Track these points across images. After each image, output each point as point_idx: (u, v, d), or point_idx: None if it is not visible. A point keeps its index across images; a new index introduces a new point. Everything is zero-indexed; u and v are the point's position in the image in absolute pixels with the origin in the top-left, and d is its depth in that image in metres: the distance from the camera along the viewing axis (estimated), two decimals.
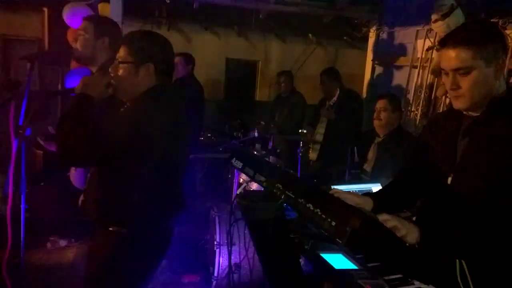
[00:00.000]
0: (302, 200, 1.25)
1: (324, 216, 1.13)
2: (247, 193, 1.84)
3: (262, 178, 1.50)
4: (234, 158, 1.75)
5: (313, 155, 4.58)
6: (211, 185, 5.30)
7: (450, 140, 1.60)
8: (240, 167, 1.71)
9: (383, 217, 1.35)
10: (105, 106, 1.84)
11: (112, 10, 4.00)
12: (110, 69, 1.85)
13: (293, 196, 1.30)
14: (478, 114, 1.53)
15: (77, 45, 2.39)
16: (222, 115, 6.39)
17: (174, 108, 1.87)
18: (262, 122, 4.91)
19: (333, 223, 1.10)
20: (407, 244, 1.31)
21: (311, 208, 1.20)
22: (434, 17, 3.50)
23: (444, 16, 3.36)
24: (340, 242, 1.07)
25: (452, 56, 1.45)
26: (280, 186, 1.38)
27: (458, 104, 1.52)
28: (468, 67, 1.43)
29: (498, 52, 1.45)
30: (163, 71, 1.84)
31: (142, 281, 1.91)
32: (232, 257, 2.99)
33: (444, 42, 1.49)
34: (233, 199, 1.64)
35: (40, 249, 3.75)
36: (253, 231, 1.66)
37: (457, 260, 1.37)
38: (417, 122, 4.18)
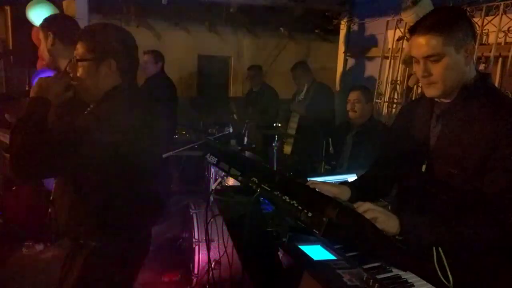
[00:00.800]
0: (278, 192, 1.24)
1: (300, 208, 1.12)
2: (223, 189, 1.81)
3: (237, 172, 1.48)
4: (209, 154, 1.72)
5: (287, 149, 4.59)
6: (187, 182, 5.24)
7: (423, 127, 1.62)
8: (214, 162, 1.68)
9: (362, 208, 1.35)
10: (67, 109, 1.72)
11: (78, 8, 3.88)
12: (68, 68, 1.72)
13: (269, 189, 1.29)
14: (450, 101, 1.54)
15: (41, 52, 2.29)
16: (196, 112, 6.32)
17: (142, 108, 1.74)
18: (234, 116, 4.89)
19: (310, 214, 1.09)
20: (385, 233, 1.31)
21: (287, 200, 1.18)
22: (403, 6, 3.54)
23: (413, 4, 3.40)
24: (317, 232, 1.06)
25: (422, 43, 1.46)
26: (256, 179, 1.37)
27: (430, 92, 1.53)
28: (439, 53, 1.44)
29: (467, 38, 1.46)
30: (126, 67, 1.71)
31: None
32: (212, 253, 2.97)
33: (414, 29, 1.49)
34: (209, 195, 1.61)
35: (15, 254, 3.67)
36: (230, 226, 1.63)
37: (434, 248, 1.38)
38: (391, 112, 4.24)
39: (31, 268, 3.46)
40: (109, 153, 1.55)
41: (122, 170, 1.61)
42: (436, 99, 1.58)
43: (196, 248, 3.13)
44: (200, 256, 3.12)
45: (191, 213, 3.25)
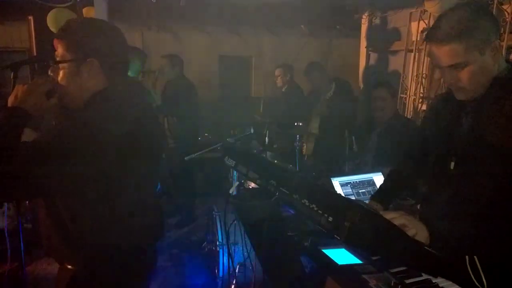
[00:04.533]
0: (297, 196, 1.18)
1: (320, 212, 1.07)
2: (242, 193, 1.77)
3: (255, 175, 1.43)
4: (227, 157, 1.68)
5: (308, 149, 4.50)
6: (211, 184, 5.24)
7: (452, 123, 1.54)
8: (233, 165, 1.64)
9: (389, 216, 1.28)
10: (54, 118, 1.51)
11: (97, 14, 3.92)
12: (49, 72, 1.48)
13: (288, 192, 1.24)
14: (480, 95, 1.45)
15: None
16: (218, 113, 6.32)
17: (132, 113, 1.47)
18: (258, 117, 4.82)
19: (330, 219, 1.03)
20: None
21: (307, 203, 1.13)
22: None
23: None
24: (339, 238, 1.00)
25: (443, 54, 1.36)
26: (274, 182, 1.32)
27: (460, 96, 1.45)
28: (462, 62, 1.35)
29: (491, 36, 1.35)
30: (113, 67, 1.48)
31: None
32: (236, 256, 2.94)
33: (431, 37, 1.39)
34: (226, 199, 1.57)
35: (44, 259, 3.71)
36: (249, 231, 1.59)
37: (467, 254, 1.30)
38: (417, 107, 4.10)
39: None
40: (94, 170, 1.32)
41: (110, 185, 1.38)
42: None
43: (221, 251, 3.10)
44: (225, 259, 3.09)
45: (215, 216, 3.22)
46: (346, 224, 0.97)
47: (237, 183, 1.66)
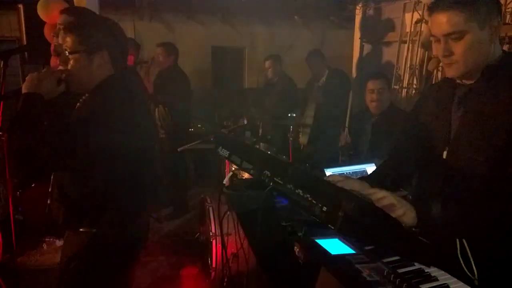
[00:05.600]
0: (291, 185, 1.18)
1: (314, 202, 1.06)
2: (235, 183, 1.77)
3: (249, 166, 1.42)
4: (220, 147, 1.67)
5: (303, 139, 4.51)
6: (204, 175, 5.24)
7: (444, 112, 1.53)
8: (226, 155, 1.63)
9: (379, 195, 1.28)
10: (60, 103, 1.71)
11: (88, 3, 3.86)
12: (59, 61, 1.73)
13: (282, 182, 1.23)
14: (472, 82, 1.45)
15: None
16: (211, 104, 6.29)
17: (136, 97, 1.75)
18: (252, 109, 4.81)
19: (324, 209, 1.03)
20: (403, 225, 1.24)
21: (301, 193, 1.12)
22: None
23: None
24: (333, 228, 1.00)
25: (443, 21, 1.37)
26: (268, 172, 1.31)
27: (451, 72, 1.44)
28: (461, 31, 1.35)
29: (492, 13, 1.36)
30: (118, 57, 1.72)
31: (119, 277, 1.83)
32: (229, 247, 2.94)
33: (435, 7, 1.40)
34: (220, 190, 1.57)
35: (36, 250, 3.73)
36: (242, 221, 1.59)
37: (457, 239, 1.31)
38: (410, 98, 4.12)
39: (52, 263, 3.49)
40: (106, 144, 1.55)
41: (116, 159, 1.61)
42: (458, 81, 1.49)
43: (213, 241, 3.11)
44: (218, 250, 3.10)
45: (207, 207, 3.22)
46: (340, 214, 0.97)
47: (230, 173, 1.66)
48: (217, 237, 3.09)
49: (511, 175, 1.31)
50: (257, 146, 3.46)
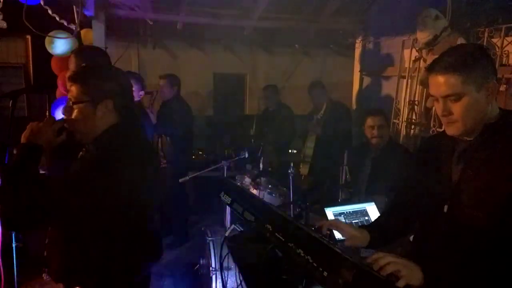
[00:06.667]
0: (292, 244, 1.20)
1: (315, 265, 1.09)
2: (237, 235, 1.79)
3: (251, 217, 1.45)
4: (223, 192, 1.71)
5: (304, 170, 4.54)
6: (205, 204, 5.24)
7: (444, 165, 1.56)
8: (229, 202, 1.66)
9: (384, 260, 1.30)
10: (61, 153, 1.68)
11: (95, 35, 3.94)
12: (62, 111, 1.70)
13: (283, 239, 1.26)
14: (471, 139, 1.49)
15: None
16: (212, 130, 6.34)
17: (141, 145, 1.70)
18: (253, 140, 4.86)
19: (325, 273, 1.05)
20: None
21: (302, 254, 1.15)
22: (419, 28, 3.49)
23: (430, 27, 3.35)
24: None
25: (441, 83, 1.42)
26: (270, 227, 1.34)
27: (450, 131, 1.49)
28: (458, 93, 1.40)
29: (488, 76, 1.42)
30: (123, 105, 1.69)
31: None
32: (229, 282, 2.94)
33: (432, 68, 1.46)
34: (222, 241, 1.59)
35: (36, 280, 3.68)
36: (244, 273, 1.60)
37: None
38: (409, 132, 4.16)
39: None
40: (108, 197, 1.48)
41: (118, 214, 1.55)
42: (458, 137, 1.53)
43: (213, 276, 3.10)
44: (217, 285, 3.09)
45: (208, 241, 3.23)
46: (340, 282, 0.99)
47: (233, 226, 1.68)
48: (217, 272, 3.08)
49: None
50: (258, 180, 3.48)
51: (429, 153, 1.68)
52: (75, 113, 1.63)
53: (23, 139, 1.57)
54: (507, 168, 1.37)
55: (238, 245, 1.53)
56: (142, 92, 3.74)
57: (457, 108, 1.43)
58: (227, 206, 3.40)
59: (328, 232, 1.70)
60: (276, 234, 1.30)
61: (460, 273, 1.34)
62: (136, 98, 3.54)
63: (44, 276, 3.73)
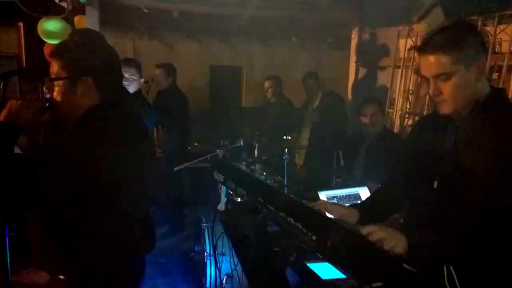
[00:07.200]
0: (283, 214, 1.22)
1: (304, 231, 1.11)
2: (230, 207, 1.80)
3: (243, 192, 1.47)
4: (216, 171, 1.72)
5: (299, 161, 4.56)
6: (200, 193, 5.25)
7: (436, 143, 1.58)
8: (222, 180, 1.68)
9: (369, 229, 1.32)
10: (47, 134, 1.59)
11: (89, 23, 3.93)
12: (44, 89, 1.56)
13: (274, 210, 1.28)
14: (463, 117, 1.51)
15: None
16: (209, 122, 6.35)
17: (125, 130, 1.51)
18: (248, 130, 4.86)
19: (314, 238, 1.07)
20: (392, 255, 1.28)
21: (292, 222, 1.17)
22: (414, 17, 3.51)
23: (424, 16, 3.37)
24: (322, 256, 1.04)
25: (431, 63, 1.44)
26: (261, 199, 1.35)
27: (442, 110, 1.51)
28: (448, 72, 1.42)
29: (477, 54, 1.43)
30: (108, 83, 1.53)
31: None
32: (224, 267, 2.96)
33: (422, 49, 1.47)
34: (213, 216, 1.61)
35: (31, 268, 3.66)
36: (236, 246, 1.62)
37: (445, 266, 1.35)
38: (403, 122, 4.19)
39: (47, 280, 3.49)
40: (85, 183, 1.37)
41: (97, 200, 1.42)
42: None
43: (208, 262, 3.12)
44: (212, 270, 3.11)
45: (203, 227, 3.25)
46: (328, 244, 1.01)
47: (226, 199, 1.69)
48: (212, 258, 3.10)
49: (500, 205, 1.36)
50: (253, 167, 3.50)
51: (422, 131, 1.70)
52: (55, 91, 1.50)
53: (1, 118, 1.45)
54: (496, 144, 1.39)
55: (230, 217, 1.54)
56: (142, 80, 3.62)
57: (447, 87, 1.45)
58: (222, 194, 3.45)
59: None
60: (268, 205, 1.32)
61: (444, 243, 1.37)
62: (138, 87, 3.50)
63: None
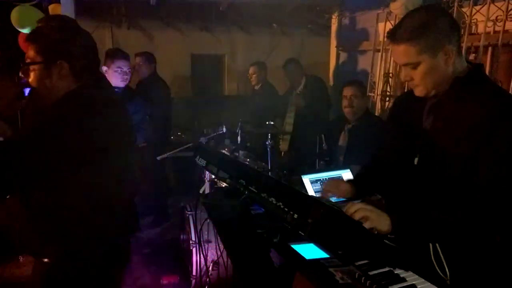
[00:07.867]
0: (265, 194, 1.23)
1: (286, 209, 1.12)
2: (212, 191, 1.81)
3: (225, 175, 1.47)
4: (198, 156, 1.72)
5: (284, 146, 4.57)
6: (184, 183, 5.24)
7: (416, 120, 1.61)
8: (204, 164, 1.68)
9: (352, 208, 1.34)
10: (27, 119, 1.58)
11: (64, 11, 3.83)
12: (20, 73, 1.54)
13: (256, 191, 1.28)
14: (443, 92, 1.53)
15: None
16: (191, 112, 6.30)
17: (98, 115, 1.50)
18: (231, 117, 4.84)
19: (295, 216, 1.08)
20: (376, 232, 1.30)
21: (274, 201, 1.18)
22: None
23: None
24: (303, 234, 1.05)
25: (399, 52, 1.48)
26: (243, 181, 1.36)
27: (417, 93, 1.55)
28: (413, 62, 1.46)
29: (444, 40, 1.44)
30: (84, 68, 1.53)
31: None
32: (210, 254, 2.97)
33: (391, 38, 1.50)
34: (197, 199, 1.60)
35: (13, 263, 3.62)
36: (219, 229, 1.63)
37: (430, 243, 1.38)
38: (384, 105, 4.23)
39: (29, 275, 3.45)
40: (61, 165, 1.39)
41: (73, 182, 1.44)
42: None
43: (194, 249, 3.13)
44: (198, 258, 3.12)
45: (187, 215, 3.24)
46: (309, 221, 1.02)
47: (209, 182, 1.70)
48: (197, 245, 3.11)
49: (479, 180, 1.38)
50: (236, 154, 3.50)
51: (402, 108, 1.73)
52: (31, 76, 1.51)
53: None
54: (474, 120, 1.42)
55: (213, 201, 1.55)
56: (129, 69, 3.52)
57: (416, 74, 1.49)
58: (206, 179, 3.45)
59: None
60: (250, 187, 1.32)
61: (426, 220, 1.39)
62: (127, 79, 3.46)
63: (20, 258, 3.71)
